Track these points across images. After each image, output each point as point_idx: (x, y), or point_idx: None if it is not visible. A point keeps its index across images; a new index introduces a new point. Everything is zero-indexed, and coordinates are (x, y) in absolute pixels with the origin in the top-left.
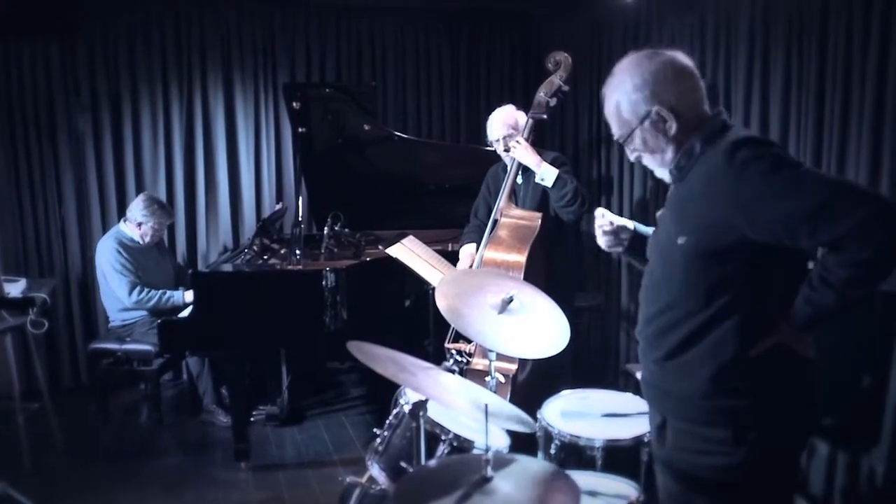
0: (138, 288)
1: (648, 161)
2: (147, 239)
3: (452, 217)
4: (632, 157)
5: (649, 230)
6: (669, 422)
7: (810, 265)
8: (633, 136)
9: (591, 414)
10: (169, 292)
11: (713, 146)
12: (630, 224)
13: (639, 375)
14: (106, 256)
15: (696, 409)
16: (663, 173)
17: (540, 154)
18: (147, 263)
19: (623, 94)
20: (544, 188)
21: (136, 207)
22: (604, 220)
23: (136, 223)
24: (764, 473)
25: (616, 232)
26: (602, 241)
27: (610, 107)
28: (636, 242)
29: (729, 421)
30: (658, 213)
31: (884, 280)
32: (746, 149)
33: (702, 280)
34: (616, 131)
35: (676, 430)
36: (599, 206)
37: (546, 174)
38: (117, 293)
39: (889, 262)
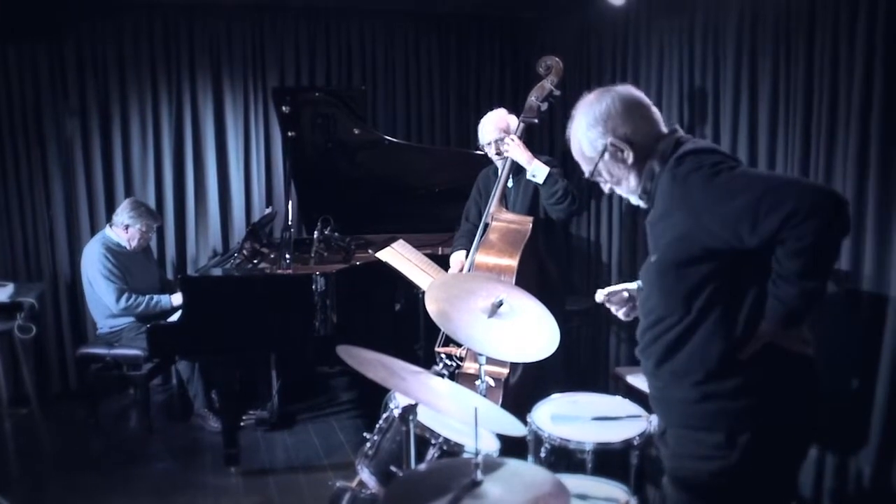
0: (126, 294)
1: (620, 191)
2: (134, 243)
3: (443, 221)
4: (605, 189)
5: None
6: (669, 430)
7: None
8: (599, 170)
9: (582, 417)
10: (157, 297)
11: (667, 164)
12: (633, 285)
13: (628, 379)
14: (93, 262)
15: (691, 414)
16: (636, 200)
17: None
18: (133, 268)
19: (582, 134)
20: (535, 189)
21: (123, 211)
22: (607, 297)
23: (124, 226)
24: (759, 477)
25: (627, 299)
26: (621, 315)
27: (575, 148)
28: None
29: (722, 424)
30: None
31: (831, 266)
32: (687, 161)
33: (676, 289)
34: (585, 169)
35: (675, 437)
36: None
37: (538, 171)
38: (105, 300)
39: (829, 247)
